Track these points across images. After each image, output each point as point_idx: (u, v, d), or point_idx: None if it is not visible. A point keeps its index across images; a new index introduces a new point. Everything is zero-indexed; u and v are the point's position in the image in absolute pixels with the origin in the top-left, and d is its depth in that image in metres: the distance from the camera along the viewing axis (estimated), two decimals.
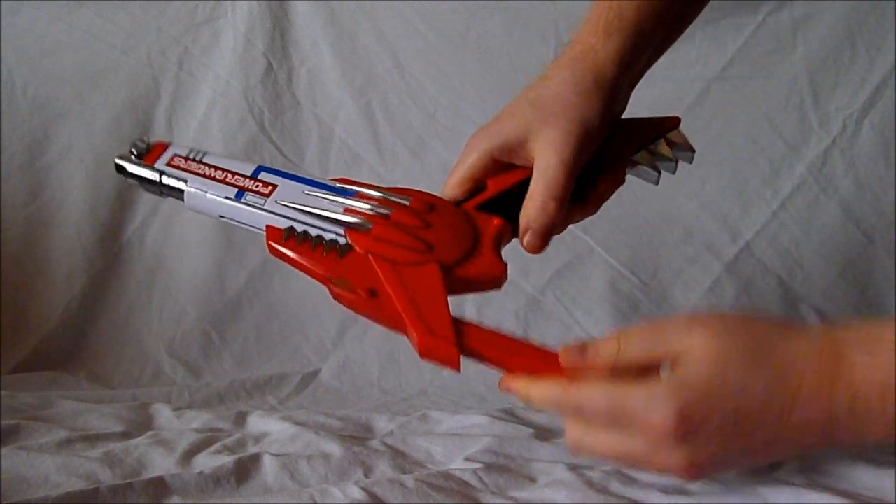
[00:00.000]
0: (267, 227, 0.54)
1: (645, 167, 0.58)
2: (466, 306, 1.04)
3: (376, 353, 1.00)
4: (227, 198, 0.55)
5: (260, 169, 0.56)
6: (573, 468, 0.52)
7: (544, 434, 0.62)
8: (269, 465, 0.53)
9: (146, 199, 1.09)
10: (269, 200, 0.54)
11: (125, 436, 0.61)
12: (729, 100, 1.10)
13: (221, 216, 0.56)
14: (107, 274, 1.06)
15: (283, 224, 0.53)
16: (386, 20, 1.11)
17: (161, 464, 0.55)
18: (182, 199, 0.57)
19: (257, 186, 0.55)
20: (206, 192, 0.56)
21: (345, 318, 1.03)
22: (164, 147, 0.58)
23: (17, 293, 1.02)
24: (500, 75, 1.07)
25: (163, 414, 0.70)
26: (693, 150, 0.57)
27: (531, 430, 0.63)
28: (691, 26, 1.10)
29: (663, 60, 1.11)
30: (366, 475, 0.53)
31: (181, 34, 1.10)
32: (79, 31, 1.08)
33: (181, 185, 0.56)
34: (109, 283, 1.06)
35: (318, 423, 0.66)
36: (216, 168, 0.57)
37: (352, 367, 0.99)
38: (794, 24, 1.10)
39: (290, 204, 0.54)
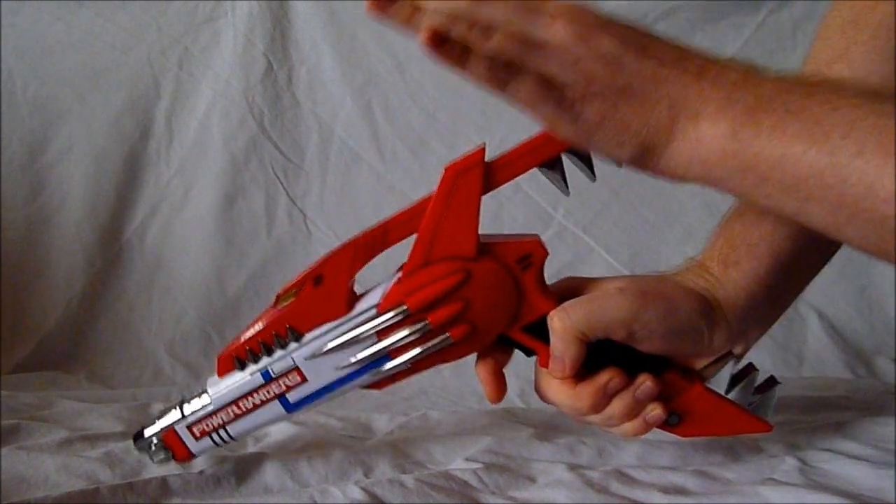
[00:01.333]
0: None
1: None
2: None
3: None
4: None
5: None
6: (573, 468, 0.52)
7: (544, 434, 0.62)
8: (269, 465, 0.53)
9: (146, 199, 1.09)
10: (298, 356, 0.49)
11: (125, 436, 0.61)
12: None
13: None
14: (107, 274, 1.06)
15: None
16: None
17: None
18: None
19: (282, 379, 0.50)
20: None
21: None
22: (172, 431, 0.52)
23: (17, 293, 1.02)
24: None
25: None
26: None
27: (531, 430, 0.63)
28: (691, 26, 1.11)
29: None
30: (366, 475, 0.53)
31: (181, 34, 1.10)
32: (79, 31, 1.08)
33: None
34: (109, 283, 1.06)
35: (318, 423, 0.66)
36: (232, 402, 0.51)
37: None
38: (794, 24, 1.10)
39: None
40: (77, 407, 0.72)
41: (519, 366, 0.99)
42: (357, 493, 0.47)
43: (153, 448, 0.52)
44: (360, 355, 0.48)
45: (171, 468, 0.53)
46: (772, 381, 0.51)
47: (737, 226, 0.52)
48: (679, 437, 0.51)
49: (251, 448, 0.60)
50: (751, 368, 0.52)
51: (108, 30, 1.08)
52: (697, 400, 0.49)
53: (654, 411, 0.48)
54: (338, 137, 1.11)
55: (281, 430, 0.63)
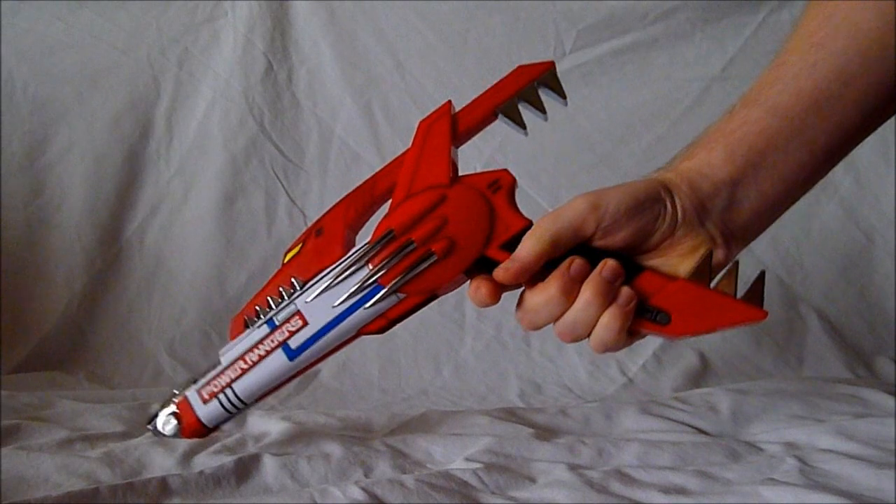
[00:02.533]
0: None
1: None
2: (466, 306, 1.04)
3: (376, 353, 1.00)
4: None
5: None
6: (573, 468, 0.52)
7: (544, 434, 0.62)
8: (269, 464, 0.53)
9: (146, 199, 1.09)
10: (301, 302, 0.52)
11: (125, 436, 0.61)
12: (729, 100, 1.08)
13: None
14: (107, 274, 1.06)
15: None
16: (386, 20, 1.11)
17: (161, 464, 0.55)
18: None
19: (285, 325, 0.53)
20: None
21: None
22: (184, 400, 0.54)
23: (17, 293, 1.02)
24: (500, 75, 1.07)
25: None
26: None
27: (531, 430, 0.63)
28: (691, 26, 1.11)
29: (663, 60, 1.12)
30: (366, 475, 0.53)
31: (181, 34, 1.10)
32: (79, 31, 1.08)
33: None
34: (109, 283, 1.06)
35: (318, 423, 0.66)
36: (238, 358, 0.53)
37: (352, 367, 0.99)
38: (794, 24, 1.10)
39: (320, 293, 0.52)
40: (77, 407, 0.72)
41: (519, 366, 0.99)
42: (357, 493, 0.47)
43: (164, 419, 0.54)
44: (353, 283, 0.51)
45: (177, 451, 0.53)
46: (760, 275, 0.50)
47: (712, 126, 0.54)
48: (673, 338, 0.50)
49: (251, 448, 0.60)
50: (733, 263, 0.52)
51: (108, 30, 1.08)
52: (682, 293, 0.49)
53: (626, 293, 0.48)
54: (338, 137, 1.11)
55: (281, 431, 0.63)
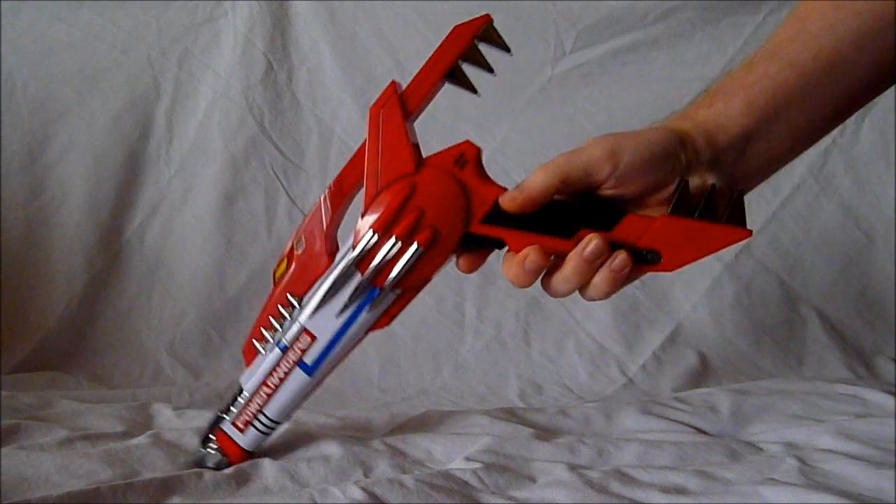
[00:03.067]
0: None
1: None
2: (466, 306, 1.04)
3: (376, 352, 1.00)
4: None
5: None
6: (573, 468, 0.52)
7: (544, 434, 0.62)
8: (268, 465, 0.53)
9: (146, 199, 1.09)
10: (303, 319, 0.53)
11: (125, 436, 0.61)
12: None
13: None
14: (107, 274, 1.06)
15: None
16: (386, 20, 1.11)
17: (161, 464, 0.55)
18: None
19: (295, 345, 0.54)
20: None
21: None
22: (222, 433, 0.56)
23: (17, 293, 1.02)
24: (500, 75, 1.07)
25: (163, 414, 0.70)
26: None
27: (531, 430, 0.63)
28: (691, 26, 1.11)
29: (663, 60, 1.12)
30: (366, 475, 0.53)
31: (181, 34, 1.10)
32: (79, 31, 1.08)
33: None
34: (109, 283, 1.06)
35: (317, 423, 0.66)
36: (260, 385, 0.54)
37: (352, 367, 0.99)
38: None
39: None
40: (77, 407, 0.72)
41: (519, 366, 0.99)
42: (357, 493, 0.47)
43: (210, 453, 0.55)
44: (349, 291, 0.52)
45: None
46: (738, 194, 0.50)
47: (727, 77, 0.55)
48: (669, 272, 0.50)
49: None
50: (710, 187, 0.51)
51: (108, 30, 1.08)
52: (667, 229, 0.49)
53: (621, 259, 0.49)
54: (338, 137, 1.11)
55: (281, 431, 0.63)
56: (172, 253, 1.08)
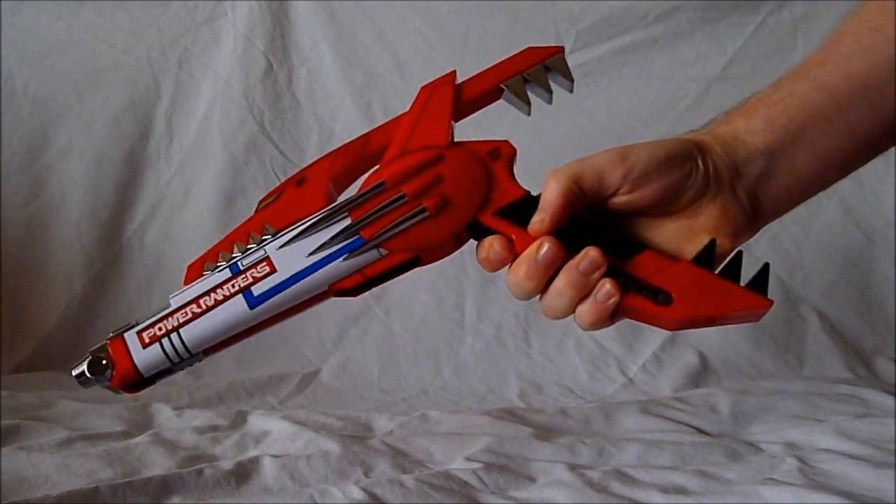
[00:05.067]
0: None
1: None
2: (466, 306, 1.04)
3: (376, 353, 1.00)
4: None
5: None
6: (573, 468, 0.52)
7: (544, 434, 0.62)
8: (268, 464, 0.53)
9: (146, 199, 1.09)
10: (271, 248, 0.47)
11: (125, 435, 0.61)
12: (729, 100, 1.09)
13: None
14: (107, 274, 1.06)
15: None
16: (386, 20, 1.11)
17: (161, 463, 0.55)
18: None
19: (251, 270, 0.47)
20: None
21: (345, 319, 1.03)
22: (120, 340, 0.46)
23: (17, 293, 1.02)
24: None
25: (163, 413, 0.70)
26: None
27: (531, 430, 0.63)
28: (691, 26, 1.11)
29: (663, 60, 1.12)
30: (366, 475, 0.53)
31: (181, 34, 1.10)
32: (79, 31, 1.08)
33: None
34: (109, 283, 1.06)
35: (318, 423, 0.66)
36: (191, 301, 0.46)
37: (352, 367, 0.99)
38: (794, 24, 1.10)
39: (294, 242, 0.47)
40: (77, 407, 0.72)
41: (519, 366, 0.99)
42: (357, 493, 0.47)
43: (92, 364, 0.45)
44: (332, 232, 0.47)
45: (178, 450, 0.52)
46: (764, 266, 0.47)
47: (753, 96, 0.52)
48: (671, 322, 0.46)
49: (251, 449, 0.60)
50: (737, 253, 0.49)
51: (108, 30, 1.08)
52: (685, 274, 0.46)
53: (605, 291, 0.45)
54: (338, 137, 1.11)
55: (281, 431, 0.63)
56: (172, 253, 1.08)
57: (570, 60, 0.54)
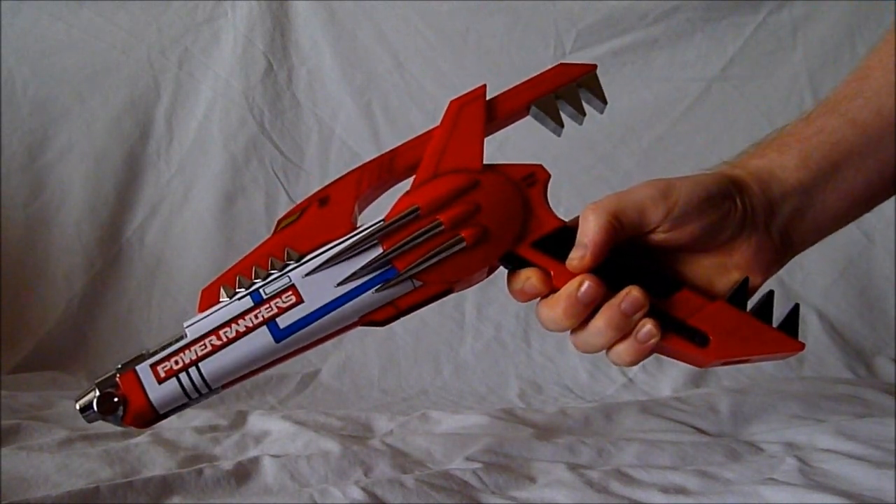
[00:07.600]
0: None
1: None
2: (466, 306, 1.04)
3: (376, 353, 1.00)
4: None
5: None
6: (573, 468, 0.52)
7: (544, 434, 0.62)
8: (268, 464, 0.53)
9: (146, 199, 1.09)
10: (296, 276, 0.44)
11: (125, 435, 0.61)
12: (729, 100, 1.10)
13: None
14: (107, 274, 1.06)
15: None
16: (386, 20, 1.11)
17: (161, 463, 0.55)
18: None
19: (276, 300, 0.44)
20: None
21: None
22: (132, 374, 0.43)
23: (17, 293, 1.02)
24: (500, 75, 1.07)
25: None
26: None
27: (531, 430, 0.63)
28: (691, 26, 1.11)
29: (663, 60, 1.12)
30: (366, 475, 0.53)
31: (181, 34, 1.10)
32: (79, 31, 1.08)
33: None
34: (109, 283, 1.06)
35: (318, 423, 0.66)
36: (211, 332, 0.44)
37: (352, 367, 0.99)
38: (794, 24, 1.10)
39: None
40: None
41: (519, 366, 0.99)
42: (357, 493, 0.47)
43: (103, 401, 0.42)
44: (362, 262, 0.44)
45: (178, 450, 0.52)
46: (794, 307, 0.48)
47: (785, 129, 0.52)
48: (706, 361, 0.46)
49: (251, 449, 0.60)
50: (768, 292, 0.49)
51: (108, 30, 1.08)
52: (721, 315, 0.46)
53: (647, 331, 0.45)
54: (338, 137, 1.11)
55: (281, 431, 0.63)
56: (172, 253, 1.08)
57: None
